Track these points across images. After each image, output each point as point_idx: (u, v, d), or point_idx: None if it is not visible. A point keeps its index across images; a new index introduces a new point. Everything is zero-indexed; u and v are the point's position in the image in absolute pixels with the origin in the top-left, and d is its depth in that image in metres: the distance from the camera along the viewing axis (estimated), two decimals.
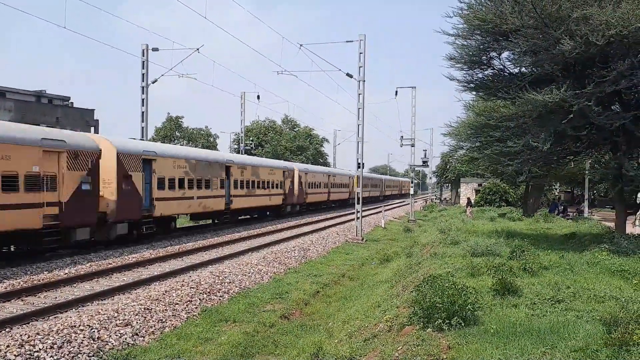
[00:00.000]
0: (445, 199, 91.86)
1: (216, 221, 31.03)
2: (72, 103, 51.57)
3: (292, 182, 40.43)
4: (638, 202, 24.74)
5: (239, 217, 34.43)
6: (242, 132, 51.95)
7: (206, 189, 26.86)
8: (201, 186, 26.31)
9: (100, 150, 19.34)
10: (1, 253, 17.41)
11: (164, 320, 11.52)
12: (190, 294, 13.38)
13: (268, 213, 38.54)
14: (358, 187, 30.55)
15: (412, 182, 52.45)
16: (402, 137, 48.32)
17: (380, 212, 42.79)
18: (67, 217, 17.59)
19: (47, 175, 16.86)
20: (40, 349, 8.91)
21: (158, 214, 22.90)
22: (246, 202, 32.44)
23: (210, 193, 27.25)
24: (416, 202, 60.97)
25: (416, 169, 59.01)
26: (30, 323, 10.47)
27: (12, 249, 18.09)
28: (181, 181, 24.51)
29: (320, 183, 48.22)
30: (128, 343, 10.04)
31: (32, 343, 9.00)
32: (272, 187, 36.32)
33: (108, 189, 20.03)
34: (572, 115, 14.73)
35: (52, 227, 17.11)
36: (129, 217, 21.16)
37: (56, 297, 12.74)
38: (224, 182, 29.02)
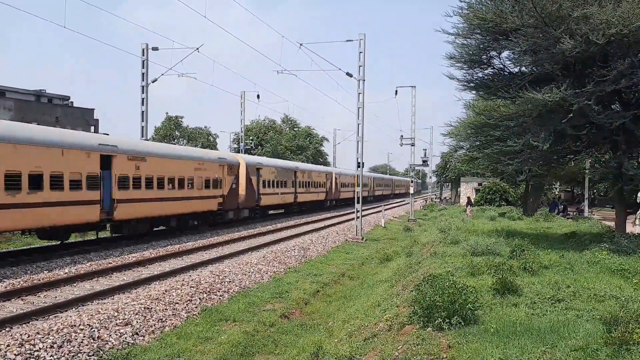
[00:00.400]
0: (445, 198, 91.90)
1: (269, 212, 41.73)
2: (71, 102, 51.58)
3: (331, 182, 51.29)
4: (638, 201, 24.74)
5: (301, 208, 45.18)
6: (242, 132, 51.90)
7: (284, 187, 38.69)
8: (282, 185, 38.06)
9: (239, 163, 30.78)
10: (194, 226, 27.14)
11: (164, 319, 11.52)
12: (190, 294, 13.37)
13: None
14: (358, 187, 30.53)
15: (412, 182, 52.47)
16: (402, 136, 48.29)
17: (380, 211, 42.79)
18: (226, 204, 28.58)
19: (219, 179, 27.81)
20: (40, 348, 8.91)
21: (262, 204, 34.76)
22: (304, 197, 43.61)
23: (286, 190, 39.24)
24: (416, 201, 61.01)
25: (416, 168, 58.99)
26: (30, 322, 10.48)
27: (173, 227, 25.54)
28: (273, 182, 36.14)
29: (348, 183, 57.55)
30: (128, 342, 10.04)
31: (32, 342, 9.00)
32: (319, 187, 47.57)
33: (241, 187, 30.72)
34: (572, 115, 14.72)
35: (219, 210, 28.06)
36: (250, 205, 32.57)
37: (56, 297, 12.74)
38: (293, 182, 40.56)
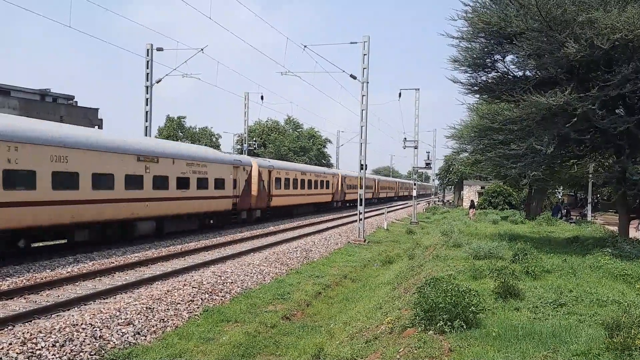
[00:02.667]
0: (448, 201, 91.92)
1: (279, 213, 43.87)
2: (76, 102, 51.64)
3: (337, 184, 52.83)
4: None
5: (307, 210, 46.57)
6: (245, 133, 51.95)
7: (294, 189, 39.92)
8: (292, 187, 39.20)
9: (252, 166, 32.08)
10: (209, 224, 28.26)
11: (165, 319, 11.54)
12: (192, 294, 13.39)
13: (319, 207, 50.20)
14: (361, 189, 30.49)
15: (414, 184, 52.47)
16: (405, 139, 48.28)
17: (383, 213, 42.77)
18: (240, 204, 29.89)
19: (233, 180, 29.05)
20: (42, 347, 8.93)
21: (273, 204, 35.72)
22: (312, 199, 44.79)
23: (296, 192, 40.31)
24: (419, 204, 61.05)
25: (419, 170, 58.98)
26: (33, 321, 10.49)
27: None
28: (284, 184, 37.31)
29: (354, 185, 58.00)
30: (130, 342, 10.06)
31: (34, 341, 9.02)
32: (326, 188, 48.87)
33: (253, 188, 32.06)
34: (575, 119, 14.71)
35: (233, 210, 29.25)
36: (261, 206, 33.57)
37: (58, 296, 12.77)
38: (302, 184, 41.68)
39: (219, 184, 27.30)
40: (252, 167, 31.97)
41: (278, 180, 36.41)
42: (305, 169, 44.45)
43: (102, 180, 19.03)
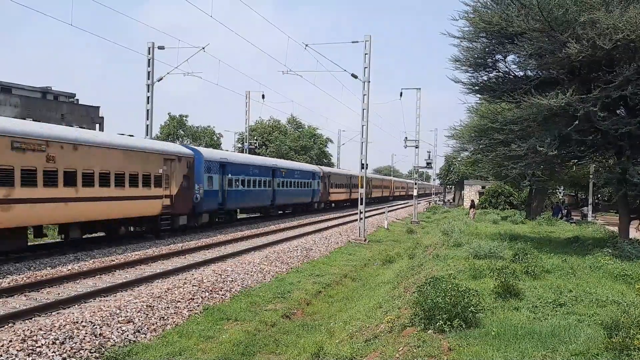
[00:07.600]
0: (448, 200, 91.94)
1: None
2: (77, 100, 51.66)
3: (367, 185, 57.46)
4: None
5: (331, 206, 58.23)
6: (246, 132, 51.95)
7: (343, 188, 55.40)
8: (341, 187, 54.49)
9: (321, 171, 47.46)
10: (301, 210, 45.54)
11: (165, 317, 11.56)
12: (193, 292, 13.41)
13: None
14: (362, 188, 30.50)
15: (415, 184, 52.48)
16: (406, 138, 48.29)
17: (384, 212, 42.77)
18: (314, 198, 46.02)
19: (311, 182, 44.87)
20: (42, 344, 8.95)
21: (331, 199, 51.73)
22: (354, 196, 56.35)
23: (344, 190, 55.70)
24: (419, 203, 61.15)
25: (420, 170, 58.99)
26: (33, 318, 10.52)
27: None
28: (336, 184, 52.22)
29: (376, 185, 71.58)
30: (130, 340, 10.07)
31: (34, 338, 9.04)
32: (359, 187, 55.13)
33: (321, 188, 47.09)
34: (577, 121, 14.70)
35: (311, 202, 46.20)
36: (324, 200, 49.17)
37: (59, 293, 12.79)
38: (347, 185, 56.53)
39: (306, 185, 43.86)
40: (321, 173, 47.43)
41: (333, 181, 51.20)
42: (347, 173, 59.12)
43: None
